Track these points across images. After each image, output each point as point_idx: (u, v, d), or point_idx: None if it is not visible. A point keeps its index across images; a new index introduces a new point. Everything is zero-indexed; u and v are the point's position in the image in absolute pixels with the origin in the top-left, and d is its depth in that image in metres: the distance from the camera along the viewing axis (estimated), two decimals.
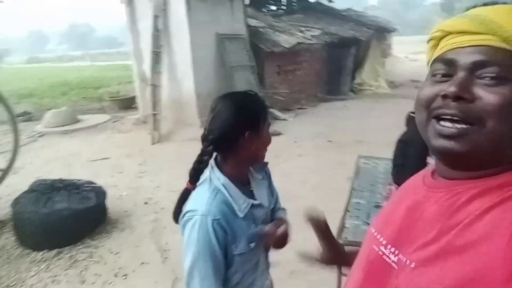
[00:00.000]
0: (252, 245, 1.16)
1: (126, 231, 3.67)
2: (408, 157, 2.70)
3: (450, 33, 0.58)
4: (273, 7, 15.67)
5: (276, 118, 8.02)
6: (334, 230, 2.44)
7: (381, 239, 0.67)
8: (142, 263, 3.14)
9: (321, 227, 1.00)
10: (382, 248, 0.65)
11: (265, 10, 14.65)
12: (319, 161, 5.31)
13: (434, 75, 0.60)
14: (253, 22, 8.86)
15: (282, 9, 15.38)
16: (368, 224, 2.49)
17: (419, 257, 0.56)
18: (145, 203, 4.30)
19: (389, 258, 0.63)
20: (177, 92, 7.50)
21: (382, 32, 13.55)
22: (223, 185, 1.13)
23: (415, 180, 0.71)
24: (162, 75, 7.36)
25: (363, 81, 11.39)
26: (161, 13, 7.20)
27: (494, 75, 0.53)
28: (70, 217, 3.34)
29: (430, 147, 0.61)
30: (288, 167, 5.13)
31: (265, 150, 1.24)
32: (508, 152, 0.55)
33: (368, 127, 6.95)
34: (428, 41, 0.64)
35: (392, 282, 0.61)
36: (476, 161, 0.56)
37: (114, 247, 3.35)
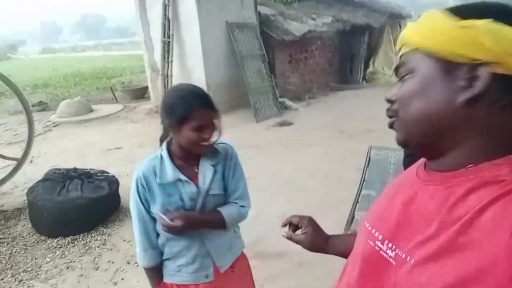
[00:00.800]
0: (168, 210, 1.35)
1: None
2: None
3: None
4: None
5: (287, 108, 7.98)
6: (343, 221, 2.45)
7: (376, 234, 0.67)
8: None
9: (292, 223, 1.05)
10: (379, 243, 0.65)
11: None
12: (329, 151, 5.29)
13: None
14: (263, 10, 8.76)
15: None
16: None
17: (419, 254, 0.56)
18: None
19: (387, 254, 0.63)
20: (188, 81, 7.48)
21: (395, 18, 13.24)
22: (160, 155, 1.39)
23: (409, 174, 0.71)
24: (172, 65, 7.38)
25: (377, 70, 11.22)
26: (170, 2, 7.18)
27: (404, 74, 0.63)
28: (83, 206, 3.41)
29: None
30: (298, 157, 5.12)
31: (194, 145, 1.32)
32: (446, 134, 0.59)
33: (380, 117, 6.73)
34: None
35: (390, 278, 0.60)
36: (420, 147, 0.64)
37: (126, 235, 3.42)
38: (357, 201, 2.68)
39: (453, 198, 0.55)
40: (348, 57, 10.67)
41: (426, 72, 0.59)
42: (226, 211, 1.45)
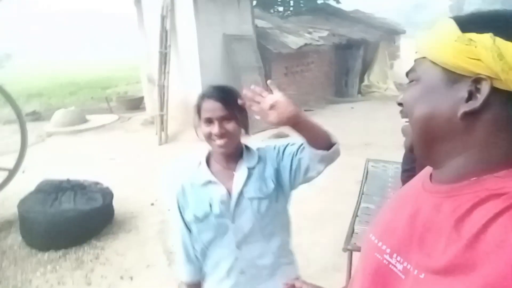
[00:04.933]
0: (199, 216, 1.29)
1: (133, 233, 3.65)
2: (417, 162, 2.65)
3: None
4: (280, 8, 15.64)
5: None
6: (343, 234, 2.41)
7: (383, 247, 0.66)
8: (148, 265, 3.12)
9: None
10: (387, 257, 0.65)
11: (272, 11, 14.62)
12: None
13: None
14: (260, 23, 8.83)
15: (290, 10, 15.34)
16: None
17: (428, 268, 0.55)
18: (152, 204, 4.29)
19: (395, 267, 0.62)
20: (185, 92, 7.49)
21: (390, 33, 13.43)
22: (200, 161, 1.36)
23: (415, 185, 0.71)
24: (169, 76, 7.36)
25: (372, 83, 11.29)
26: (169, 13, 7.20)
27: (412, 79, 0.65)
28: (76, 218, 3.34)
29: None
30: None
31: (208, 140, 1.27)
32: (446, 142, 0.60)
33: (377, 130, 6.88)
34: None
35: None
36: (423, 153, 0.65)
37: (120, 248, 3.34)
38: (357, 215, 2.64)
39: (459, 211, 0.55)
40: (344, 70, 10.75)
41: (430, 80, 0.61)
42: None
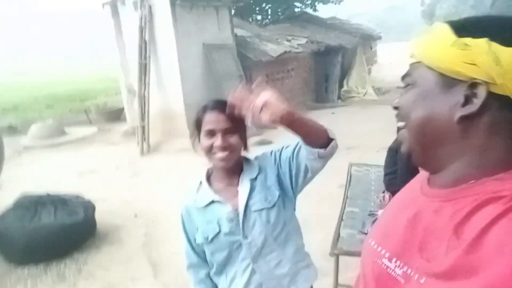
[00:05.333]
0: (208, 238, 1.26)
1: (116, 246, 3.58)
2: (399, 165, 2.71)
3: None
4: (259, 17, 15.79)
5: (265, 127, 8.02)
6: (329, 239, 2.43)
7: (383, 252, 0.66)
8: (133, 278, 3.06)
9: None
10: (386, 261, 0.64)
11: (251, 20, 14.74)
12: None
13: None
14: (239, 32, 8.90)
15: (268, 19, 15.51)
16: (364, 233, 2.47)
17: (428, 273, 0.55)
18: (135, 216, 4.22)
19: (395, 272, 0.62)
20: (166, 103, 7.45)
21: (367, 39, 13.75)
22: (200, 181, 1.33)
23: (412, 189, 0.71)
24: (149, 86, 7.31)
25: (351, 88, 11.50)
26: (147, 24, 7.18)
27: (407, 83, 0.65)
28: (57, 232, 3.26)
29: None
30: None
31: (208, 154, 1.23)
32: (444, 147, 0.61)
33: (358, 134, 6.99)
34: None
35: None
36: (421, 158, 0.65)
37: (103, 262, 3.27)
38: (342, 219, 2.67)
39: (459, 215, 0.55)
40: (323, 77, 10.91)
41: (426, 84, 0.61)
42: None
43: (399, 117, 0.67)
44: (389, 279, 0.63)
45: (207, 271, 1.37)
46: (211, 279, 1.38)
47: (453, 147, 0.59)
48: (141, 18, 7.19)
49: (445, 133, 0.59)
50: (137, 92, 7.46)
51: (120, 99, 9.15)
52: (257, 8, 15.29)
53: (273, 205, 1.26)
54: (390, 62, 21.23)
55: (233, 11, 8.42)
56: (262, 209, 1.25)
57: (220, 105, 1.20)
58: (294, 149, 1.24)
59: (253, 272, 1.28)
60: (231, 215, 1.25)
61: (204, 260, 1.36)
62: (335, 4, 15.85)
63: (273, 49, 8.79)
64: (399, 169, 2.69)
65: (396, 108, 0.68)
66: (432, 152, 0.62)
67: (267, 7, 15.43)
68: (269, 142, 6.86)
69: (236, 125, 1.20)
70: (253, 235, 1.26)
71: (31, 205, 3.42)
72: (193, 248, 1.35)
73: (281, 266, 1.30)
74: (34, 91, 20.35)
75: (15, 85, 26.34)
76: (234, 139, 1.22)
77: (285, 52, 9.06)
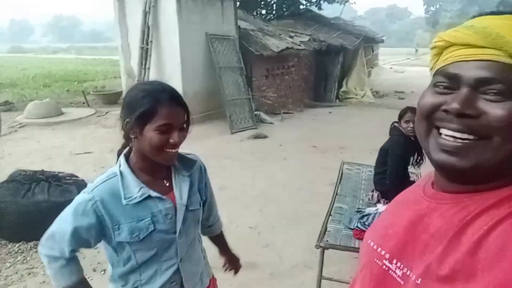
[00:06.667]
0: (139, 237, 1.12)
1: None
2: (388, 165, 2.78)
3: (453, 44, 0.57)
4: (263, 11, 15.76)
5: (262, 121, 8.07)
6: (315, 233, 2.50)
7: (382, 252, 0.65)
8: None
9: None
10: (386, 262, 0.63)
11: (255, 14, 14.72)
12: (302, 165, 5.37)
13: (436, 86, 0.59)
14: (243, 24, 8.90)
15: (272, 14, 15.48)
16: (350, 228, 2.53)
17: (429, 275, 0.54)
18: None
19: (395, 273, 0.61)
20: None
21: (369, 42, 13.79)
22: (120, 171, 1.13)
23: (414, 191, 0.69)
24: (149, 72, 7.32)
25: (349, 90, 11.56)
26: (151, 9, 7.17)
27: (498, 91, 0.52)
28: (49, 209, 3.27)
29: (430, 160, 0.60)
30: (272, 169, 5.17)
31: (158, 151, 1.10)
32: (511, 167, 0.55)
33: (352, 134, 7.07)
34: (432, 48, 0.62)
35: None
36: (478, 176, 0.56)
37: None
38: (330, 214, 2.74)
39: (465, 219, 0.54)
40: (322, 75, 10.95)
41: None
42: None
43: (470, 129, 0.54)
44: (388, 279, 0.62)
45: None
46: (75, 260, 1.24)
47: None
48: (146, 2, 7.18)
49: None
50: (136, 77, 7.46)
51: (119, 83, 9.12)
52: (262, 2, 15.26)
53: (201, 205, 1.30)
54: (390, 67, 21.35)
55: (238, 4, 8.40)
56: (196, 210, 1.25)
57: (177, 96, 1.12)
58: (204, 205, 1.36)
59: (177, 271, 1.22)
60: (171, 212, 1.16)
61: (75, 257, 1.23)
62: (340, 4, 15.86)
63: (275, 44, 8.80)
64: (389, 170, 2.77)
65: (468, 115, 0.54)
66: (504, 170, 0.55)
67: (272, 2, 15.40)
68: (264, 136, 6.92)
69: (188, 119, 1.15)
70: (187, 234, 1.23)
71: (25, 180, 3.44)
72: (73, 245, 1.16)
73: (200, 264, 1.34)
74: (33, 69, 20.21)
75: (14, 62, 26.12)
76: (183, 135, 1.13)
77: (287, 48, 9.08)
